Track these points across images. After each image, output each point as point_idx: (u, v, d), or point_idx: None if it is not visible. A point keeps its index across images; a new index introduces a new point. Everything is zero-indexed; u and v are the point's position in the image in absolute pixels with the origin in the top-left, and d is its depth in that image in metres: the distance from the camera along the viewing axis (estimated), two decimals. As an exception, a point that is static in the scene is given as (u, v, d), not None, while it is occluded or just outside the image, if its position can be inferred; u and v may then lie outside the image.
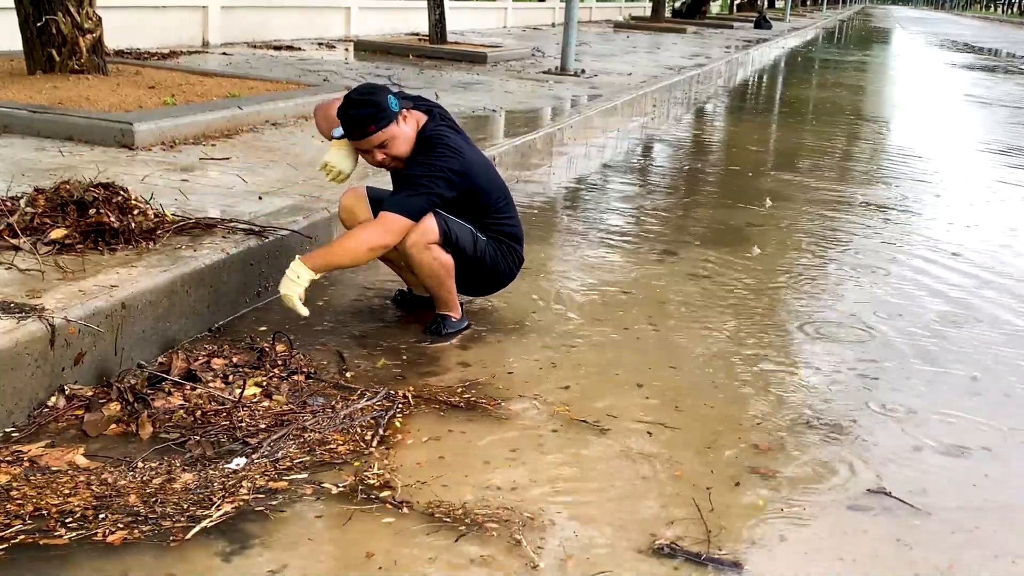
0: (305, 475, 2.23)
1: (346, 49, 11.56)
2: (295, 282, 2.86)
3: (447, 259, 3.08)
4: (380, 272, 3.60)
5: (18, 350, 2.30)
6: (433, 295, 3.18)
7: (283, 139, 5.32)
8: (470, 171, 3.06)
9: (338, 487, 2.18)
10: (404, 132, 2.99)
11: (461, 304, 3.26)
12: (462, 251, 3.10)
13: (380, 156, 3.01)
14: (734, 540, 2.13)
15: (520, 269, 3.36)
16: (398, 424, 2.52)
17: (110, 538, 1.93)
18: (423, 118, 3.08)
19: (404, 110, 3.00)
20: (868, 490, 2.40)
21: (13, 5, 5.99)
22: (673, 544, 2.08)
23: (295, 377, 2.72)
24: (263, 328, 3.08)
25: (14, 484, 2.08)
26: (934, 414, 2.90)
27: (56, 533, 1.93)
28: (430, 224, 3.00)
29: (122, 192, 3.16)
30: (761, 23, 27.03)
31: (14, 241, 2.88)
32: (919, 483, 2.45)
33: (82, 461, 2.20)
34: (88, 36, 6.04)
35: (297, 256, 2.91)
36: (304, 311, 2.88)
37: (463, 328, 3.22)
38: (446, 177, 2.98)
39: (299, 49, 10.88)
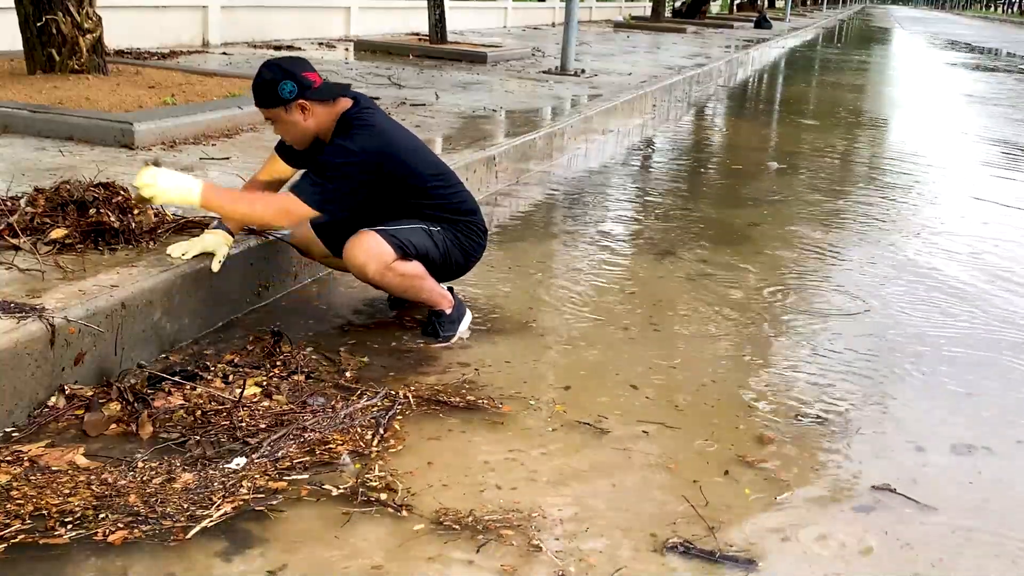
0: (305, 475, 2.23)
1: (346, 49, 11.56)
2: (180, 194, 2.70)
3: (413, 268, 3.03)
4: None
5: (18, 350, 2.30)
6: (417, 302, 3.18)
7: (283, 139, 5.31)
8: (390, 149, 2.93)
9: (339, 488, 2.18)
10: (293, 123, 2.90)
11: (451, 288, 3.25)
12: (425, 256, 3.05)
13: (274, 129, 3.01)
14: (740, 538, 2.13)
15: (487, 238, 3.29)
16: (396, 426, 2.51)
17: (110, 538, 1.93)
18: (347, 104, 2.96)
19: (306, 100, 2.86)
20: (873, 487, 2.41)
21: (13, 5, 5.99)
22: (686, 543, 2.09)
23: (295, 377, 2.72)
24: (263, 328, 3.08)
25: (14, 484, 2.08)
26: (936, 413, 2.90)
27: (56, 533, 1.93)
28: (383, 248, 2.94)
29: (122, 192, 3.16)
30: (761, 23, 27.02)
31: (14, 241, 2.88)
32: (921, 482, 2.45)
33: (82, 461, 2.20)
34: (88, 36, 6.04)
35: (201, 182, 2.75)
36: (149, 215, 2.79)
37: (461, 318, 3.20)
38: (360, 160, 2.85)
39: (299, 49, 10.87)
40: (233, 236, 3.04)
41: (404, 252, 3.00)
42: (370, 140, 2.90)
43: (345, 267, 3.11)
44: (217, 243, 2.97)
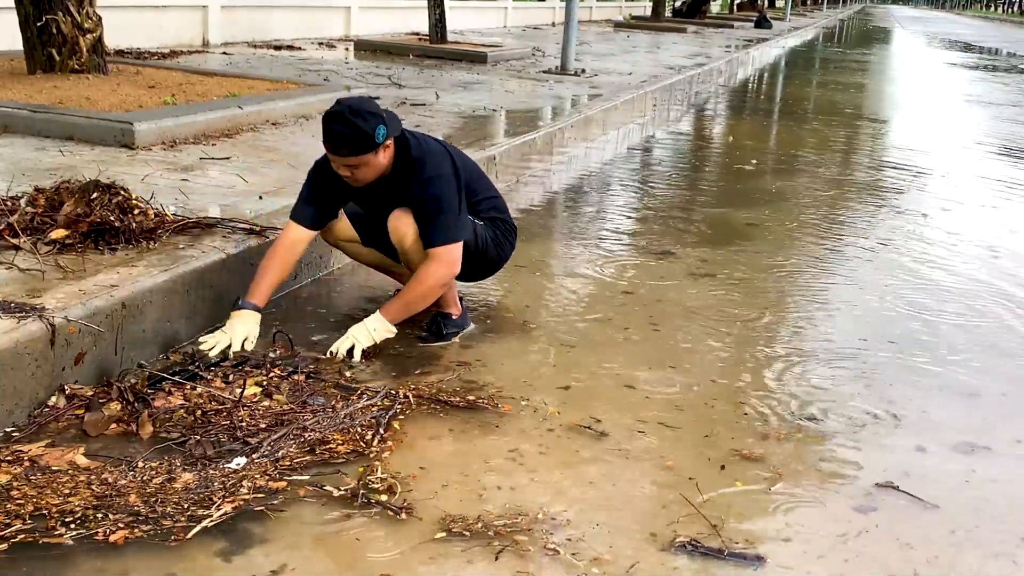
0: (306, 475, 2.23)
1: (346, 49, 11.56)
2: (371, 335, 2.93)
3: None
4: (380, 272, 3.60)
5: (18, 350, 2.30)
6: None
7: (283, 139, 5.32)
8: (456, 166, 3.04)
9: (339, 489, 2.18)
10: (377, 163, 2.88)
11: (461, 299, 3.26)
12: (465, 246, 3.07)
13: (344, 172, 2.92)
14: (743, 536, 2.12)
15: (516, 238, 3.34)
16: (395, 426, 2.51)
17: (111, 537, 1.93)
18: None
19: (391, 138, 2.89)
20: (876, 484, 2.41)
21: (13, 5, 5.99)
22: (694, 541, 2.09)
23: (295, 377, 2.72)
24: (264, 327, 3.08)
25: (14, 484, 2.08)
26: (937, 412, 2.90)
27: (56, 532, 1.93)
28: None
29: (122, 192, 3.16)
30: (761, 23, 27.02)
31: (14, 241, 2.88)
32: (922, 481, 2.45)
33: (82, 461, 2.20)
34: (88, 36, 6.04)
35: (378, 311, 2.96)
36: (357, 358, 2.90)
37: (464, 326, 3.22)
38: (453, 182, 2.97)
39: (299, 49, 10.88)
40: (260, 311, 2.96)
41: None
42: (443, 162, 3.00)
43: (359, 256, 3.28)
44: (248, 328, 2.90)
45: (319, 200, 3.06)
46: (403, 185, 2.98)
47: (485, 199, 3.21)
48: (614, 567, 1.99)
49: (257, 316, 2.95)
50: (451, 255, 2.95)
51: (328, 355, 2.91)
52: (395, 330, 2.97)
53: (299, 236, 3.05)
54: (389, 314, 2.97)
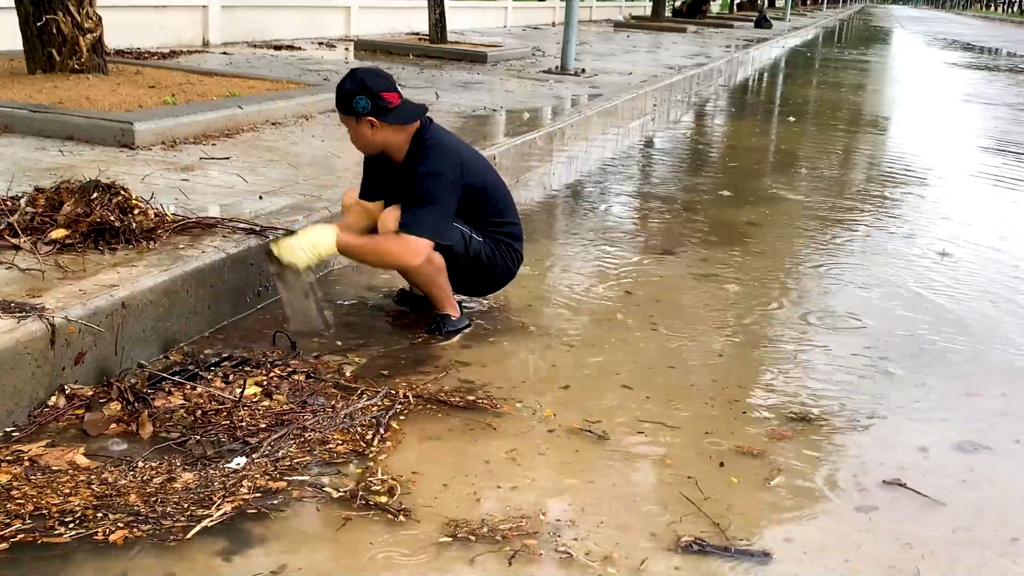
0: (306, 475, 2.23)
1: (346, 49, 11.56)
2: (314, 240, 2.90)
3: (436, 259, 3.07)
4: (382, 271, 3.60)
5: (18, 350, 2.30)
6: (427, 295, 3.18)
7: (283, 139, 5.32)
8: (467, 172, 3.07)
9: (339, 490, 2.18)
10: (363, 134, 3.02)
11: (460, 304, 3.26)
12: (449, 248, 3.09)
13: (351, 135, 3.10)
14: (745, 535, 2.12)
15: (520, 267, 3.36)
16: (395, 426, 2.51)
17: (111, 537, 1.93)
18: (416, 124, 3.09)
19: (375, 119, 2.96)
20: (877, 482, 2.41)
21: (13, 5, 5.99)
22: (699, 540, 2.09)
23: (295, 376, 2.72)
24: (264, 327, 3.09)
25: (14, 483, 2.08)
26: (938, 412, 2.90)
27: (56, 532, 1.93)
28: None
29: (122, 191, 3.16)
30: (761, 22, 27.03)
31: (14, 241, 2.88)
32: (923, 480, 2.45)
33: (82, 460, 2.20)
34: (88, 36, 6.04)
35: (337, 230, 2.95)
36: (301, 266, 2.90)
37: (463, 327, 3.22)
38: (450, 181, 3.00)
39: (299, 49, 10.88)
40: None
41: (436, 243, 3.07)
42: (448, 160, 3.03)
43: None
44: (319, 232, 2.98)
45: (367, 173, 3.25)
46: (409, 172, 3.03)
47: (506, 222, 3.25)
48: (624, 567, 1.99)
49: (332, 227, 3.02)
50: (416, 245, 2.95)
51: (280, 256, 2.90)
52: (332, 246, 2.92)
53: (371, 208, 3.21)
54: (343, 245, 2.94)
